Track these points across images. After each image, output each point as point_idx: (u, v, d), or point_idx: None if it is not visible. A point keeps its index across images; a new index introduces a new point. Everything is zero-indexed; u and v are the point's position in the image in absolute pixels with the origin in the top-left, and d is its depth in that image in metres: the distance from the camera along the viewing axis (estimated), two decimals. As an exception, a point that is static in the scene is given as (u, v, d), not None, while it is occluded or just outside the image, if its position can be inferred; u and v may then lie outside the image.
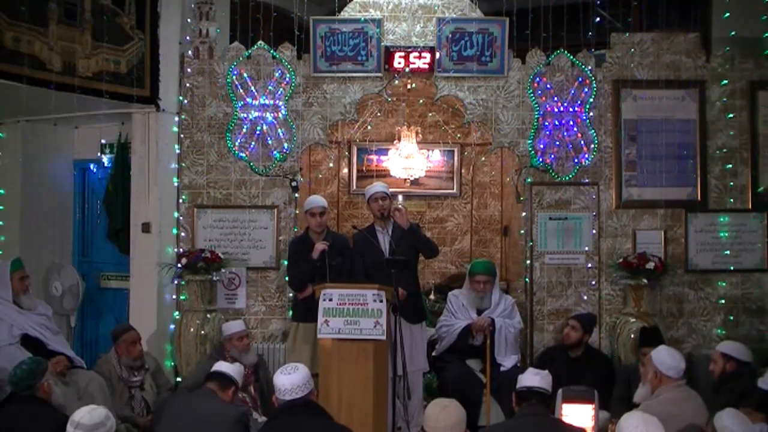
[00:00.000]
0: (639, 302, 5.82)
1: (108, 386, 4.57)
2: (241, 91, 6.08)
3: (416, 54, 5.98)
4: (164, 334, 5.87)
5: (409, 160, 6.92)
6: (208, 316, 5.72)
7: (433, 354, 5.53)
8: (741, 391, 3.88)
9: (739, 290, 6.11)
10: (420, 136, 7.13)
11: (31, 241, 6.22)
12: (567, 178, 6.11)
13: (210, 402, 3.78)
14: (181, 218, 6.07)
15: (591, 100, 6.10)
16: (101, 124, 6.36)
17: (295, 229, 6.03)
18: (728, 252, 6.08)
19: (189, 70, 6.09)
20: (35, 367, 3.66)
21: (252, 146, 6.09)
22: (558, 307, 6.07)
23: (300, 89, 6.13)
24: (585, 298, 6.04)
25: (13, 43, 4.82)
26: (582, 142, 6.10)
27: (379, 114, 7.18)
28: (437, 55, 6.00)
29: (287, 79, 6.09)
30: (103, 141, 6.49)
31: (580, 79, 6.10)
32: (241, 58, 6.10)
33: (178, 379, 5.68)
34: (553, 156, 6.10)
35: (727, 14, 6.25)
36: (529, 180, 6.12)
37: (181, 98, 6.09)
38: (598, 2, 6.43)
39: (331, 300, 4.40)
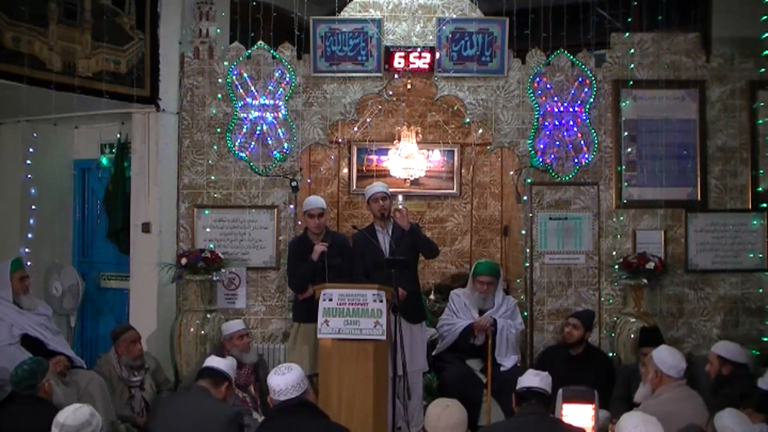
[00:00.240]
0: (639, 302, 5.82)
1: (108, 386, 4.57)
2: (241, 91, 6.08)
3: (416, 54, 5.98)
4: (164, 334, 5.86)
5: (409, 160, 6.91)
6: (208, 316, 5.72)
7: (433, 353, 5.53)
8: (740, 393, 3.87)
9: (739, 290, 6.11)
10: (420, 136, 7.12)
11: (31, 241, 6.21)
12: (567, 178, 6.11)
13: (204, 402, 3.61)
14: (181, 219, 6.08)
15: (591, 100, 6.10)
16: (101, 124, 6.36)
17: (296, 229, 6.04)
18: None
19: (189, 69, 6.09)
20: (36, 367, 3.66)
21: (252, 146, 6.09)
22: (558, 307, 6.07)
23: (300, 89, 6.13)
24: (585, 298, 6.05)
25: (13, 43, 4.81)
26: (582, 142, 6.10)
27: (379, 114, 7.18)
28: (437, 55, 6.00)
29: (287, 79, 6.09)
30: (103, 141, 6.49)
31: (580, 79, 6.10)
32: (241, 58, 6.10)
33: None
34: (553, 156, 6.10)
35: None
36: (529, 180, 6.12)
37: (181, 98, 6.10)
38: (598, 2, 6.43)
39: (331, 300, 4.40)
